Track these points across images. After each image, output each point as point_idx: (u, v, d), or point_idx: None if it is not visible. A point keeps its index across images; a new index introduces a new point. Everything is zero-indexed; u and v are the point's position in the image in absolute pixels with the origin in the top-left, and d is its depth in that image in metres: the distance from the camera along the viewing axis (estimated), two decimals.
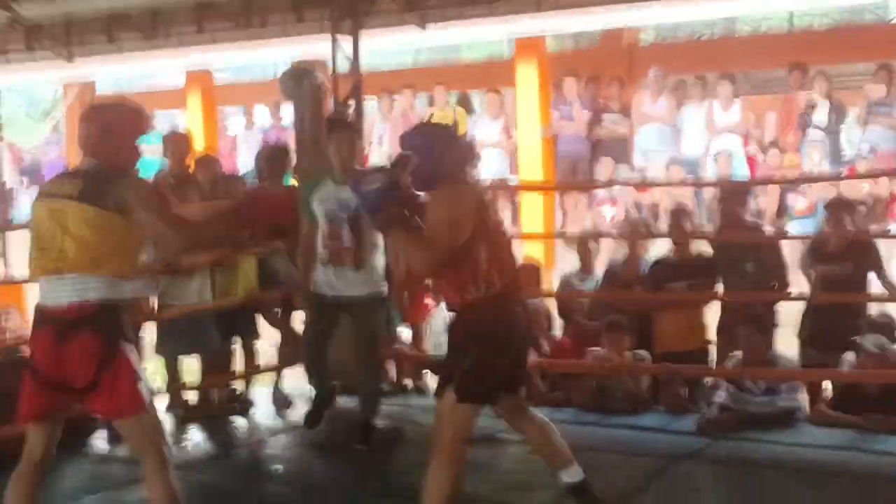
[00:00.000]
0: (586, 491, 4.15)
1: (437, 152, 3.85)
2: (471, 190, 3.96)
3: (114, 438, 5.56)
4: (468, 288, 3.76)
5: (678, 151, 10.53)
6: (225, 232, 4.18)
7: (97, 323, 3.59)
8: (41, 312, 3.71)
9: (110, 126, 3.68)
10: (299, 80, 6.55)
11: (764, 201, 9.79)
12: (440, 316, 9.68)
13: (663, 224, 8.89)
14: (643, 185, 10.00)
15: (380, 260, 5.52)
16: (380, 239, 5.34)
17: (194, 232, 3.80)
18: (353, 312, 5.46)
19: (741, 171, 10.00)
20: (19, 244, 11.59)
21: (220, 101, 14.61)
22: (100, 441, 5.73)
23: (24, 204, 14.63)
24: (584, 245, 7.21)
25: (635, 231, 7.28)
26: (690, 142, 10.56)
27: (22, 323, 8.86)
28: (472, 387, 3.77)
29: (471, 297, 3.76)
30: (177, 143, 6.85)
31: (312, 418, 5.67)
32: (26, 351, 6.38)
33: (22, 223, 10.80)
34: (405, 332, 7.07)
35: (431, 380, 6.98)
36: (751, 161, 10.32)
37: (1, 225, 11.76)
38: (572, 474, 4.12)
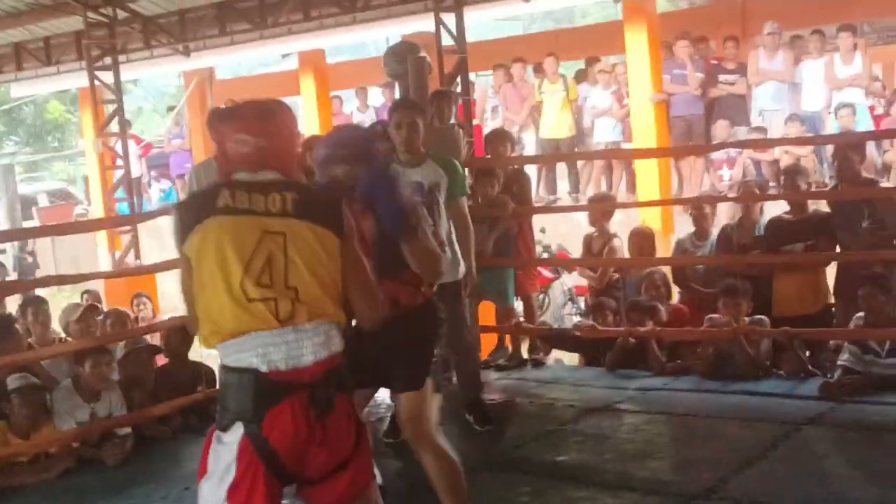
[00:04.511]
0: None
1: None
2: None
3: None
4: (422, 290, 3.85)
5: (797, 108, 10.22)
6: None
7: (344, 382, 2.76)
8: (271, 382, 2.64)
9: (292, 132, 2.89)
10: (402, 58, 6.57)
11: (892, 155, 9.44)
12: (559, 288, 9.68)
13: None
14: (759, 145, 9.70)
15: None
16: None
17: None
18: (441, 298, 5.27)
19: (865, 125, 9.65)
20: (152, 233, 12.05)
21: (333, 83, 14.82)
22: None
23: (153, 195, 15.18)
24: (699, 210, 7.06)
25: (749, 193, 7.09)
26: (810, 97, 10.23)
27: (154, 311, 9.21)
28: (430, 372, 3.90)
29: (423, 297, 3.87)
30: None
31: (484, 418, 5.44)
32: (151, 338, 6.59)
33: (151, 213, 11.17)
34: (518, 306, 7.05)
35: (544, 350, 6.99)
36: (876, 114, 9.96)
37: (135, 217, 12.17)
38: None
